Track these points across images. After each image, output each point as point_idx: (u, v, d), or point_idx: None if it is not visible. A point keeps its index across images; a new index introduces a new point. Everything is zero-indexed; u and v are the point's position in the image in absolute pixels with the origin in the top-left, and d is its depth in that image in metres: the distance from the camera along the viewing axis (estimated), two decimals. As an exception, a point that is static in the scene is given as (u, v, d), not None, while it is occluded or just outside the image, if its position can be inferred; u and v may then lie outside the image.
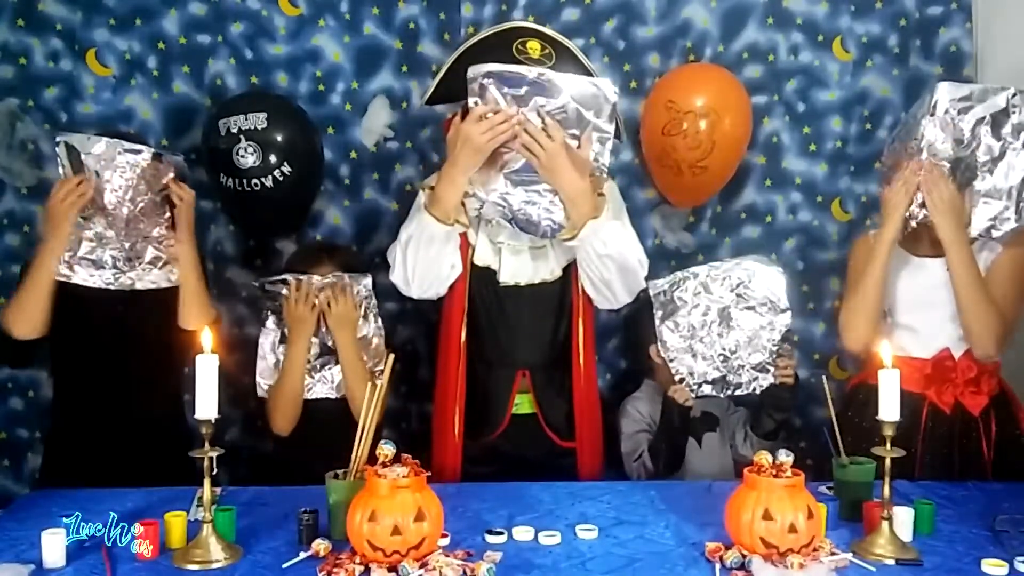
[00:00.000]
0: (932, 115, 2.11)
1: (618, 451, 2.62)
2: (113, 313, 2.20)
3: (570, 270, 2.27)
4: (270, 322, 2.43)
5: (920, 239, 2.25)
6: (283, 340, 2.41)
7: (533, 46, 2.08)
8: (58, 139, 2.19)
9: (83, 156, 2.14)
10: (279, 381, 2.38)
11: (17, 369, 2.73)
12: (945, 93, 2.11)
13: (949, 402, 2.21)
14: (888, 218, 2.19)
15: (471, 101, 2.04)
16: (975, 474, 2.17)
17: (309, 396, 2.40)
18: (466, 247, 2.23)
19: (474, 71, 2.02)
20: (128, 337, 2.21)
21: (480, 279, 2.26)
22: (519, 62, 2.07)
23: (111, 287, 2.20)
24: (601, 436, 2.39)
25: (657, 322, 2.36)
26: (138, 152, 2.15)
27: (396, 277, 2.22)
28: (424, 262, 2.16)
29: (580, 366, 2.27)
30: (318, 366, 2.40)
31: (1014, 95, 2.11)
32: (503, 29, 2.15)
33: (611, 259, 2.14)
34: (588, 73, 2.13)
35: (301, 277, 2.34)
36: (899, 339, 2.25)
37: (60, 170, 2.19)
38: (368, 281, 2.39)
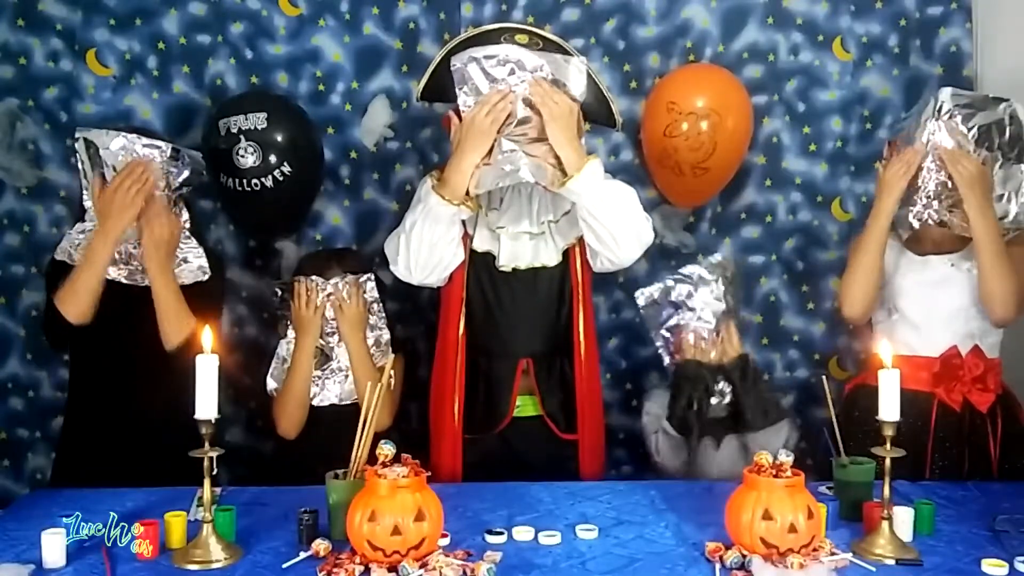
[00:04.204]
0: (937, 119, 2.13)
1: (616, 450, 2.61)
2: (124, 309, 2.19)
3: (569, 256, 2.27)
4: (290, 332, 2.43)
5: (923, 238, 2.26)
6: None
7: (521, 38, 2.10)
8: (77, 135, 2.22)
9: (101, 151, 2.16)
10: (285, 384, 2.37)
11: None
12: (949, 98, 2.14)
13: (958, 400, 2.22)
14: (884, 194, 2.20)
15: (458, 90, 2.07)
16: (983, 472, 2.17)
17: (314, 403, 2.39)
18: (466, 238, 2.24)
19: (456, 60, 2.06)
20: (135, 334, 2.21)
21: (479, 266, 2.26)
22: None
23: (123, 281, 2.20)
24: (603, 429, 2.38)
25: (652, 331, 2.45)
26: (156, 147, 2.16)
27: (398, 265, 2.21)
28: (428, 243, 2.15)
29: (581, 355, 2.26)
30: (322, 373, 2.39)
31: (1011, 108, 2.16)
32: (493, 29, 2.17)
33: (614, 197, 2.12)
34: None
35: (314, 279, 2.33)
36: (905, 338, 2.25)
37: (79, 166, 2.23)
38: (373, 284, 2.39)
